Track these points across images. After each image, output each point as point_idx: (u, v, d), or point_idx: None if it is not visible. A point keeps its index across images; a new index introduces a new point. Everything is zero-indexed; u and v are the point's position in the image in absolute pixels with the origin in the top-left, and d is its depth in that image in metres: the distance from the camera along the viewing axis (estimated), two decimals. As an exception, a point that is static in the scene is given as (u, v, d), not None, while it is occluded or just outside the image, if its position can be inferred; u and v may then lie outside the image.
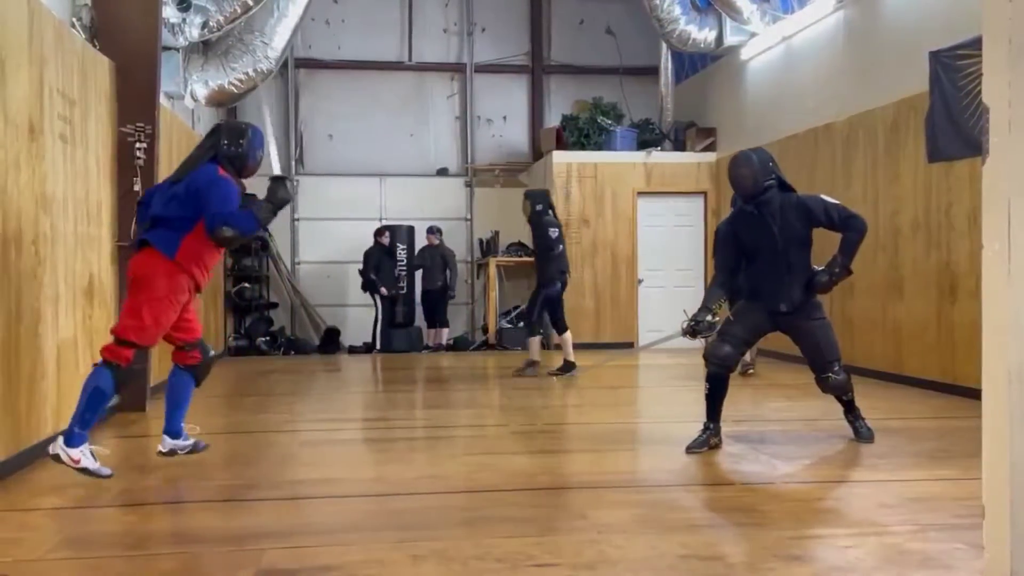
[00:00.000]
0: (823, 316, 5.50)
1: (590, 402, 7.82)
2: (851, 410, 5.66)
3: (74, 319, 5.93)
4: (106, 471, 4.61)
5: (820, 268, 5.38)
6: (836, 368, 5.46)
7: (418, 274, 13.18)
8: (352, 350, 13.27)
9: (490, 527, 3.83)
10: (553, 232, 9.39)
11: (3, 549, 3.55)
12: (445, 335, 13.31)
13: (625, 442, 6.06)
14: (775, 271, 5.37)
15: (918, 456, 5.25)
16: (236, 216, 4.65)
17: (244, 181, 4.94)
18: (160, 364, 8.05)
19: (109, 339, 4.77)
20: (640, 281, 12.87)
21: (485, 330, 13.77)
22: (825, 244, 5.62)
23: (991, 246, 2.27)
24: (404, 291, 13.16)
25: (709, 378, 5.46)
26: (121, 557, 3.55)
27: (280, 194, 4.83)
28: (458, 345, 13.48)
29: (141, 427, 6.49)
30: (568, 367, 9.33)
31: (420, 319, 13.37)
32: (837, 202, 5.41)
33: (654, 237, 12.92)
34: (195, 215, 4.67)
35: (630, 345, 12.72)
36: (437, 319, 13.19)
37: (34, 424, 5.17)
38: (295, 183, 4.96)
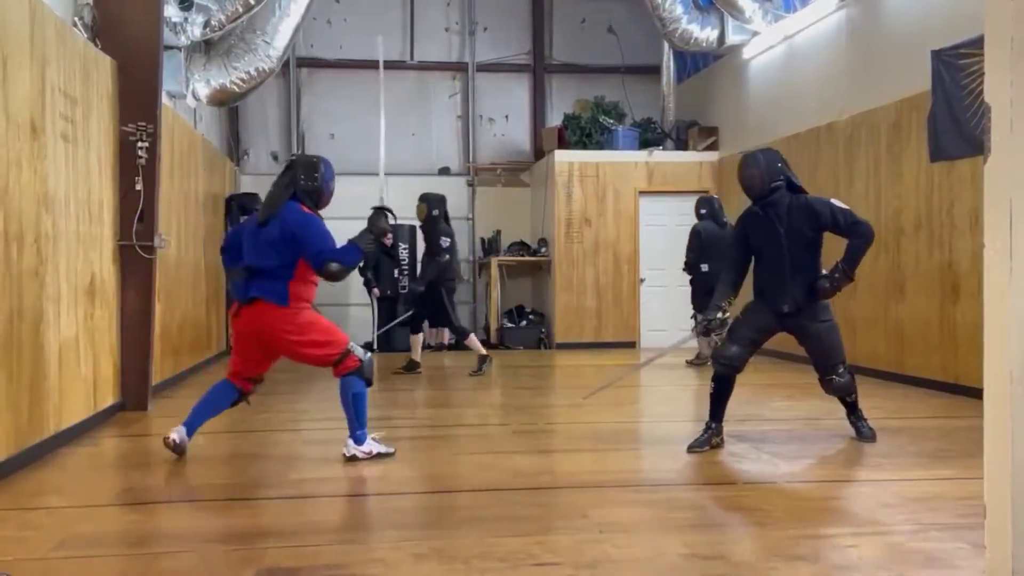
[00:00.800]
0: (829, 318, 5.48)
1: (592, 401, 7.82)
2: (853, 411, 5.66)
3: (76, 318, 5.94)
4: (391, 448, 5.26)
5: (825, 272, 5.37)
6: (840, 370, 5.45)
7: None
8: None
9: (492, 526, 3.83)
10: (444, 241, 9.54)
11: (5, 548, 3.56)
12: (447, 335, 13.29)
13: (626, 441, 6.06)
14: (779, 272, 5.36)
15: (920, 456, 5.25)
16: (341, 252, 5.02)
17: None
18: (161, 364, 8.07)
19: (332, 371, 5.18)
20: (642, 280, 12.86)
21: (487, 329, 13.77)
22: (837, 248, 5.59)
23: (993, 245, 2.27)
24: (405, 290, 13.15)
25: (716, 378, 5.46)
26: (123, 556, 3.55)
27: (380, 224, 5.28)
28: (460, 344, 13.48)
29: (143, 426, 6.49)
30: (412, 366, 9.82)
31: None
32: (846, 207, 5.39)
33: (656, 236, 12.91)
34: (293, 260, 4.96)
35: (632, 344, 12.72)
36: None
37: (36, 423, 5.18)
38: (393, 214, 5.31)
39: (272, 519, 4.04)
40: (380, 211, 5.28)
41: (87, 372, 6.19)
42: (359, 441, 5.14)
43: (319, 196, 5.16)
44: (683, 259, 10.39)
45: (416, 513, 4.09)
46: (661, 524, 3.85)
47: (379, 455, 5.17)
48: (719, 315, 5.40)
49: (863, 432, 5.59)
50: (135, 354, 7.00)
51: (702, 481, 4.79)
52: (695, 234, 10.34)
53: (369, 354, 5.18)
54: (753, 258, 5.54)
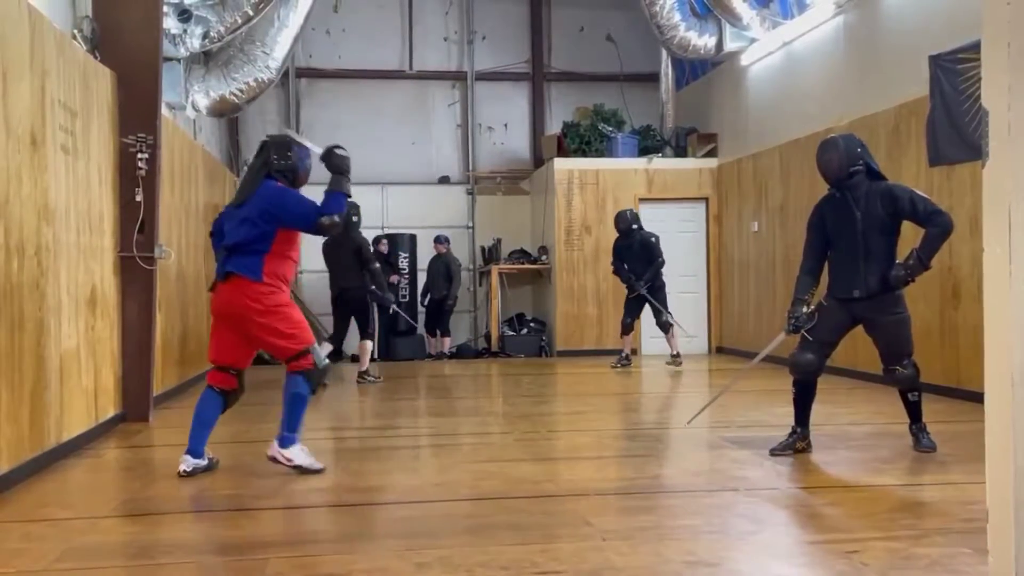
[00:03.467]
0: (902, 311, 5.36)
1: (594, 409, 7.82)
2: (916, 420, 5.47)
3: (77, 329, 5.94)
4: (319, 465, 5.02)
5: (899, 262, 5.30)
6: (905, 362, 5.33)
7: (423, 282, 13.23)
8: (355, 358, 13.25)
9: (494, 534, 3.82)
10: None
11: (7, 560, 3.56)
12: (448, 343, 13.30)
13: (629, 449, 6.05)
14: (853, 256, 5.30)
15: (922, 460, 5.24)
16: (326, 204, 4.88)
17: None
18: (163, 375, 8.06)
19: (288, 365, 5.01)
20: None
21: (488, 338, 13.76)
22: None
23: (992, 249, 2.27)
24: (406, 299, 13.16)
25: (795, 383, 5.43)
26: (125, 567, 3.55)
27: (335, 162, 5.01)
28: (461, 353, 13.50)
29: (144, 437, 6.49)
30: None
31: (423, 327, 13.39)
32: (927, 196, 5.35)
33: (656, 243, 12.89)
34: (269, 233, 4.88)
35: (633, 352, 12.69)
36: (439, 328, 13.17)
37: (37, 435, 5.17)
38: (342, 148, 5.17)
39: (274, 529, 4.04)
40: (330, 151, 5.05)
41: (88, 383, 6.18)
42: (284, 444, 4.96)
43: (294, 174, 5.08)
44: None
45: (419, 522, 4.08)
46: (663, 531, 3.85)
47: (300, 468, 4.96)
48: (804, 309, 5.33)
49: (923, 443, 5.42)
50: (136, 365, 7.00)
51: (704, 488, 4.78)
52: (658, 242, 10.73)
53: (327, 362, 5.07)
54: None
